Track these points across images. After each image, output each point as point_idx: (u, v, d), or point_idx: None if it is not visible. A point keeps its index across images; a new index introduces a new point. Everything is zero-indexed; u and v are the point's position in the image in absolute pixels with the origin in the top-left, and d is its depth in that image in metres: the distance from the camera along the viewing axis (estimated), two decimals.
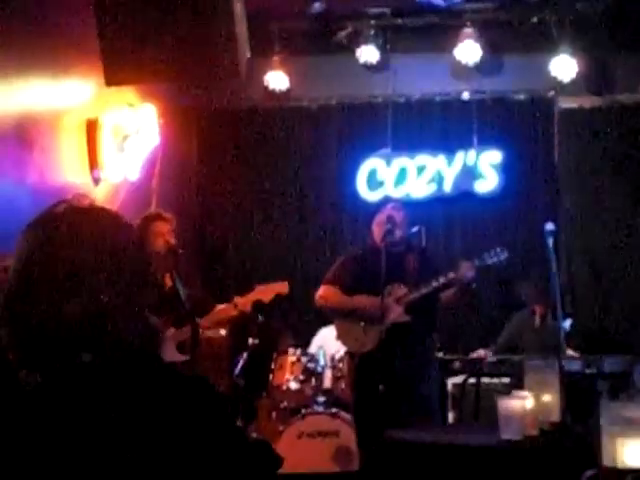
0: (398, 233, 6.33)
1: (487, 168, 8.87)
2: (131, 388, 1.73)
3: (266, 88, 9.02)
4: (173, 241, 5.83)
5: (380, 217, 6.41)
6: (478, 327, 8.69)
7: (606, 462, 3.16)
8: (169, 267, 5.62)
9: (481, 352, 7.59)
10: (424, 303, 6.26)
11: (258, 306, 6.22)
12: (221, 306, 6.14)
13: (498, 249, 6.37)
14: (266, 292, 6.24)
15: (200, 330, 5.65)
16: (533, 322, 7.74)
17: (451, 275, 6.21)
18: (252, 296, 6.19)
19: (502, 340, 7.88)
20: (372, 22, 8.77)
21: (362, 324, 6.28)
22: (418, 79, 9.10)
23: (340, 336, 6.54)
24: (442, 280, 6.22)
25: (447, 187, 8.98)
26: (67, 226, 1.80)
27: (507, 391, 4.75)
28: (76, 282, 1.75)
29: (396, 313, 6.21)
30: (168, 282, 5.67)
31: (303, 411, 7.02)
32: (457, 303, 6.65)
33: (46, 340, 1.73)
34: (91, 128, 6.45)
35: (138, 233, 1.96)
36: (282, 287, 6.32)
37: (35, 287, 1.74)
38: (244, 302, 6.12)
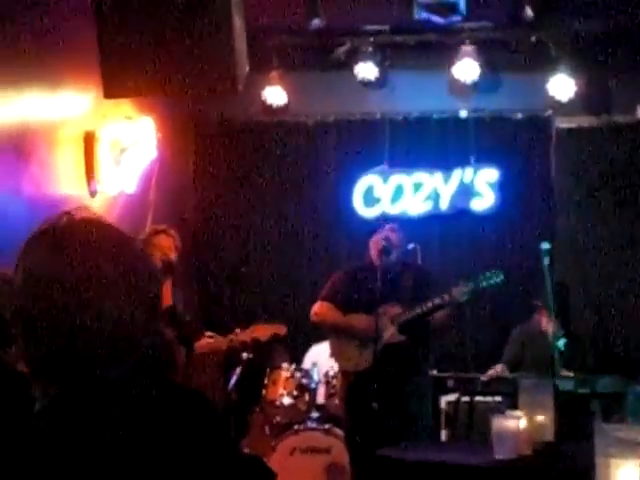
0: (394, 254, 6.33)
1: (484, 186, 8.86)
2: (142, 408, 1.70)
3: (264, 103, 9.03)
4: (173, 257, 5.83)
5: (377, 237, 6.41)
6: (472, 345, 8.69)
7: None
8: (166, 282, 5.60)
9: (498, 368, 7.52)
10: (417, 323, 6.25)
11: (254, 344, 6.32)
12: (209, 340, 6.24)
13: (494, 271, 6.35)
14: (264, 331, 6.37)
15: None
16: (542, 337, 7.62)
17: (446, 297, 6.20)
18: (250, 333, 6.29)
19: (509, 356, 7.76)
20: (371, 39, 8.78)
21: (356, 343, 6.28)
22: (416, 96, 9.10)
23: (334, 354, 6.53)
24: (437, 301, 6.21)
25: (443, 205, 8.96)
26: (81, 236, 1.75)
27: (501, 410, 4.74)
28: (94, 293, 1.70)
29: (389, 333, 6.21)
30: (167, 298, 5.63)
31: (296, 427, 7.00)
32: (448, 324, 6.63)
33: (63, 354, 1.69)
34: (88, 140, 6.43)
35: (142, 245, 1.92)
36: (280, 329, 6.47)
37: (51, 298, 1.69)
38: (241, 339, 6.21)
